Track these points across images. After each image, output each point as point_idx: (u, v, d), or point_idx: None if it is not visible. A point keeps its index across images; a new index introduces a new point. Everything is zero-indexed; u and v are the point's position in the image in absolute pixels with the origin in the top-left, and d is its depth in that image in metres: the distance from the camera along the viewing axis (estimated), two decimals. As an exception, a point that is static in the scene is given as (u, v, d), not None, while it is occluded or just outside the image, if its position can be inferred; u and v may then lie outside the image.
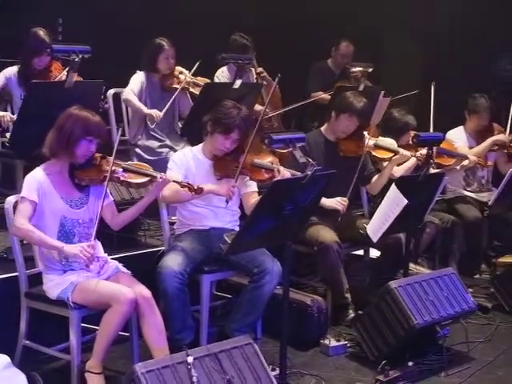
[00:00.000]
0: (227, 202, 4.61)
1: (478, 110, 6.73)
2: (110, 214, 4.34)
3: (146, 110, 5.94)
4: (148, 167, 4.41)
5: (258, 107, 6.43)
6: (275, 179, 4.59)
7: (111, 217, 4.34)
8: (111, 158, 4.21)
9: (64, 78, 5.30)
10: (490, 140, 6.63)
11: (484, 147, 6.61)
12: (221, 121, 4.70)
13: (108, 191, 4.30)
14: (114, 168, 4.19)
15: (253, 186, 4.90)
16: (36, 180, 4.08)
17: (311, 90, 7.76)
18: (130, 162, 4.43)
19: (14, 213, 4.15)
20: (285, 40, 8.64)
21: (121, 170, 4.24)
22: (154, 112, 5.90)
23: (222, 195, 4.63)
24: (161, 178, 4.26)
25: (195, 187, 4.34)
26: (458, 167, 6.31)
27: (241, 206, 4.97)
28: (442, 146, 6.05)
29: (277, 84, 6.74)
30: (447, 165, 6.15)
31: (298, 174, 4.29)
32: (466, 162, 6.30)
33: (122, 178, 4.23)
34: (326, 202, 5.25)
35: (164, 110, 5.92)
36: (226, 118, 4.70)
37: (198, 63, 6.09)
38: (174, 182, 4.37)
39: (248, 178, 4.83)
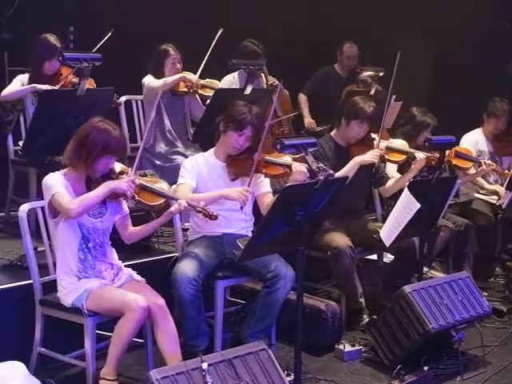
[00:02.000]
0: (242, 207, 4.59)
1: (497, 114, 6.74)
2: (124, 227, 4.35)
3: (181, 74, 6.06)
4: (164, 186, 4.36)
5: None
6: (291, 177, 4.65)
7: (124, 230, 4.35)
8: (130, 172, 4.20)
9: (72, 78, 5.33)
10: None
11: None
12: (233, 117, 4.73)
13: (124, 203, 4.31)
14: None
15: (266, 187, 4.90)
16: (59, 179, 4.07)
17: (301, 91, 7.81)
18: (147, 179, 4.39)
19: (29, 220, 4.16)
20: (295, 45, 8.63)
21: (137, 188, 4.20)
22: (193, 76, 6.06)
23: (234, 199, 4.59)
24: (175, 200, 4.25)
25: (210, 213, 4.29)
26: (474, 171, 6.27)
27: (254, 211, 4.96)
28: (460, 150, 6.06)
29: (283, 89, 6.87)
30: (464, 167, 6.12)
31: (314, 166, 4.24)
32: (481, 167, 6.24)
33: (136, 197, 4.20)
34: (359, 158, 5.33)
35: (198, 74, 6.10)
36: (238, 114, 4.73)
37: (203, 63, 6.16)
38: (190, 205, 4.32)
39: (262, 176, 4.83)
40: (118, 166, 4.25)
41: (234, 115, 4.74)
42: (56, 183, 4.04)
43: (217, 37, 6.20)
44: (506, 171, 6.53)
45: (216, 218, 4.33)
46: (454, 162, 6.03)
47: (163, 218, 4.33)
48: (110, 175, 4.18)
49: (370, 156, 5.37)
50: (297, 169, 4.65)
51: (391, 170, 5.87)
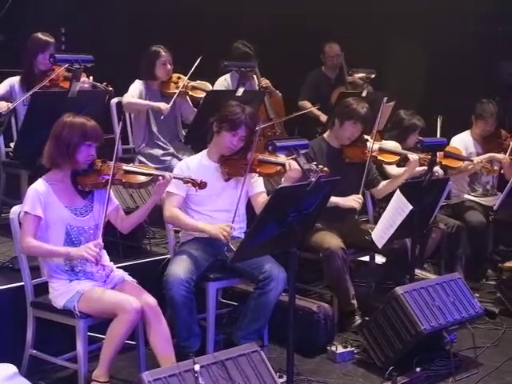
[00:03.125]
0: (226, 245, 4.54)
1: (484, 116, 6.72)
2: (117, 218, 4.35)
3: (152, 103, 5.99)
4: (149, 167, 4.45)
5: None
6: (285, 175, 4.66)
7: (118, 220, 4.36)
8: (112, 162, 4.23)
9: (63, 73, 5.32)
10: (487, 155, 6.60)
11: (481, 159, 6.58)
12: (227, 118, 4.74)
13: (112, 196, 4.32)
14: (115, 171, 4.21)
15: (260, 187, 4.91)
16: (38, 192, 4.08)
17: (300, 98, 7.80)
18: (131, 164, 4.46)
19: (20, 223, 4.16)
20: (286, 46, 8.64)
21: (122, 172, 4.27)
22: (162, 104, 5.96)
23: (214, 236, 4.57)
24: (162, 176, 4.28)
25: (198, 181, 4.36)
26: (465, 169, 6.29)
27: (247, 212, 4.95)
28: (449, 149, 6.08)
29: (275, 91, 6.89)
30: (455, 167, 6.13)
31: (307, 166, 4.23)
32: (470, 166, 6.27)
33: (123, 180, 4.26)
34: (342, 201, 5.30)
35: (171, 103, 5.96)
36: (231, 114, 4.74)
37: (195, 65, 6.10)
38: (176, 178, 4.41)
39: (256, 176, 4.84)
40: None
41: (228, 115, 4.75)
42: (32, 199, 4.07)
43: (196, 63, 6.13)
44: (496, 167, 6.54)
45: (205, 185, 4.39)
46: (444, 162, 6.06)
47: (154, 196, 4.35)
48: (93, 165, 4.21)
49: (352, 202, 5.34)
50: (291, 166, 4.64)
51: (391, 169, 5.87)
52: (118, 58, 7.09)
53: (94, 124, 4.18)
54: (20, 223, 4.19)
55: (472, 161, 6.27)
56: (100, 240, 4.07)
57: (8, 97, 5.68)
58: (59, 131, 4.12)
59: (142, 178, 4.31)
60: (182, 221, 4.72)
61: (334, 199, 5.14)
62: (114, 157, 4.24)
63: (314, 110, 7.41)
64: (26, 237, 4.04)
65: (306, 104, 7.68)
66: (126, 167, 4.32)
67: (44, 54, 5.57)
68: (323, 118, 7.50)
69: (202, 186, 4.38)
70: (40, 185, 4.12)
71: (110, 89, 5.49)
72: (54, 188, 4.13)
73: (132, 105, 6.04)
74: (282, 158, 4.75)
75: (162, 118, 5.99)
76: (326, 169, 4.31)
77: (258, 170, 4.78)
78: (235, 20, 8.27)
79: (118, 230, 4.43)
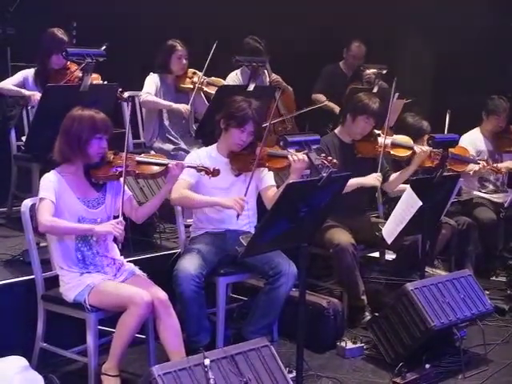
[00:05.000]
0: (238, 216, 4.55)
1: (497, 111, 6.72)
2: (131, 209, 4.36)
3: (174, 105, 6.01)
4: (161, 156, 4.46)
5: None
6: (292, 167, 4.62)
7: (132, 210, 4.36)
8: (124, 153, 4.23)
9: (79, 73, 5.33)
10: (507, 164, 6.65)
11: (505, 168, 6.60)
12: (234, 115, 4.73)
13: (125, 186, 4.32)
14: (127, 162, 4.21)
15: (269, 180, 4.90)
16: (51, 181, 4.09)
17: (313, 91, 7.75)
18: (142, 155, 4.48)
19: (31, 216, 4.18)
20: (299, 42, 8.62)
21: (135, 163, 4.27)
22: (183, 106, 5.98)
23: (229, 207, 4.58)
24: (176, 164, 4.28)
25: (211, 169, 4.35)
26: (471, 173, 6.26)
27: (258, 206, 4.95)
28: (455, 151, 6.05)
29: (287, 86, 6.88)
30: (460, 171, 6.10)
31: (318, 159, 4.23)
32: (476, 168, 6.24)
33: (136, 171, 4.26)
34: (363, 180, 5.32)
35: (190, 102, 6.01)
36: (238, 111, 4.72)
37: (208, 58, 6.11)
38: (189, 166, 4.41)
39: (266, 170, 4.84)
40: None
41: (234, 112, 4.73)
42: (46, 187, 4.07)
43: (213, 49, 6.16)
44: (503, 170, 6.53)
45: (218, 172, 4.38)
46: (449, 166, 5.99)
47: (168, 184, 4.36)
48: (105, 158, 4.22)
49: (373, 180, 5.37)
50: (296, 158, 4.64)
51: None
52: (129, 53, 7.09)
53: (103, 116, 4.18)
54: (31, 217, 4.21)
55: (478, 163, 6.24)
56: (121, 218, 4.08)
57: (20, 87, 5.69)
58: (69, 126, 4.13)
59: (155, 168, 4.31)
60: (192, 198, 4.67)
61: (355, 180, 5.14)
62: (126, 147, 4.24)
63: (328, 102, 7.35)
64: (43, 215, 3.99)
65: (319, 97, 7.63)
66: (138, 158, 4.33)
67: (58, 55, 5.56)
68: (337, 110, 7.44)
69: (215, 173, 4.37)
70: (53, 175, 4.13)
71: (124, 95, 5.50)
72: (66, 179, 4.14)
73: (152, 103, 6.06)
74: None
75: (183, 120, 6.02)
76: (334, 160, 4.30)
77: (267, 164, 4.78)
78: (246, 18, 8.26)
79: (133, 220, 4.42)
